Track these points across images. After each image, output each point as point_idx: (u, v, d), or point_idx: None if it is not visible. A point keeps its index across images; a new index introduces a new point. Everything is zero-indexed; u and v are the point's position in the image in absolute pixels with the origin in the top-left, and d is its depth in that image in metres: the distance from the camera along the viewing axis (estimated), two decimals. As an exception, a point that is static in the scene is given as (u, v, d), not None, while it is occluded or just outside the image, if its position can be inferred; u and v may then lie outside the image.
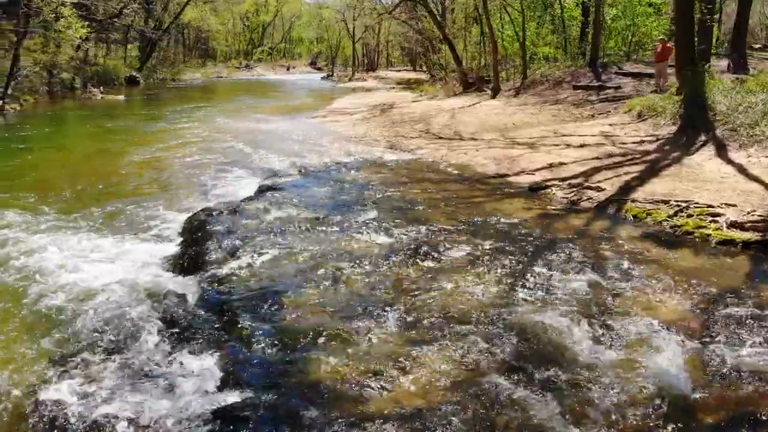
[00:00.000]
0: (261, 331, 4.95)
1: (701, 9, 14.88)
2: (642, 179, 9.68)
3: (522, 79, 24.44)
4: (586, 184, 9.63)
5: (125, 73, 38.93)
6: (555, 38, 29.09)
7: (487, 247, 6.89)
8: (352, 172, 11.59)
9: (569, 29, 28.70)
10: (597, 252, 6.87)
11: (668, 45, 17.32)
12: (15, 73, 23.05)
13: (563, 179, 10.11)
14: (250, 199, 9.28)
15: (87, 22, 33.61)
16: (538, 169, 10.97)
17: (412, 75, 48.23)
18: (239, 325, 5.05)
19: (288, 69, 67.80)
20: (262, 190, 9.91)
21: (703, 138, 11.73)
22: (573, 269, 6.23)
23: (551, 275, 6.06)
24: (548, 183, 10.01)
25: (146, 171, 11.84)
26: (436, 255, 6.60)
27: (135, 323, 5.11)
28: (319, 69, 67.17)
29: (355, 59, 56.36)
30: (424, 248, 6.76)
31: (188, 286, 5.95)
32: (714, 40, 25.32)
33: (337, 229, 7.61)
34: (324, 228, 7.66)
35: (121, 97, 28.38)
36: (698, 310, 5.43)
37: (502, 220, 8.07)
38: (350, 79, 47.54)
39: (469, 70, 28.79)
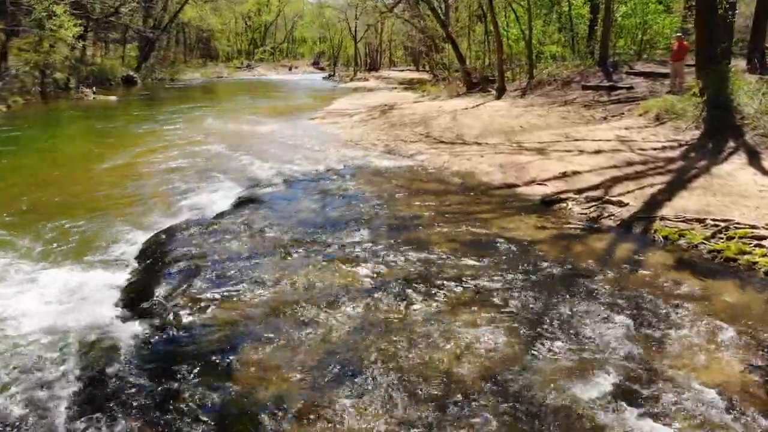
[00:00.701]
0: (207, 407, 3.79)
1: (724, 4, 13.66)
2: (669, 192, 8.48)
3: (528, 78, 23.23)
4: (607, 197, 8.44)
5: (122, 73, 37.81)
6: (562, 36, 27.85)
7: (496, 280, 5.71)
8: (344, 181, 10.43)
9: (577, 27, 27.49)
10: (627, 286, 5.68)
11: (685, 43, 16.10)
12: (2, 74, 21.90)
13: (579, 191, 8.93)
14: (223, 214, 8.14)
15: (82, 21, 32.80)
16: (550, 179, 9.79)
17: (415, 75, 47.01)
18: (180, 396, 3.90)
19: (290, 69, 66.61)
20: (239, 203, 8.77)
21: (731, 144, 10.52)
22: (601, 312, 5.05)
23: (576, 320, 4.89)
24: (563, 195, 8.83)
25: (119, 178, 10.68)
26: (434, 291, 5.43)
27: (48, 389, 3.96)
28: (322, 69, 65.98)
29: (357, 59, 55.18)
30: (420, 283, 5.59)
31: (129, 332, 4.79)
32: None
33: (319, 255, 6.44)
34: (303, 253, 6.50)
35: (114, 98, 27.25)
36: (761, 370, 4.28)
37: (513, 242, 6.88)
38: (352, 79, 46.33)
39: (473, 70, 27.58)
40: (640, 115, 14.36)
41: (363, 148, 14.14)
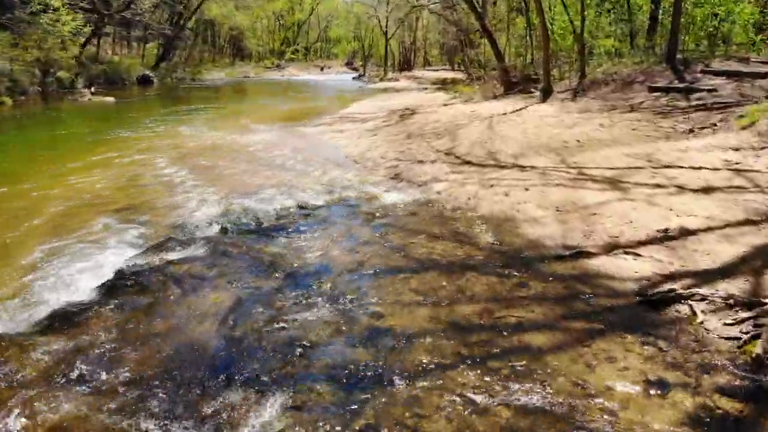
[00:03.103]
0: None
1: None
2: None
3: (579, 78, 18.90)
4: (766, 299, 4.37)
5: (139, 73, 34.77)
6: (618, 29, 23.42)
7: None
8: (310, 234, 6.56)
9: (635, 18, 23.04)
10: None
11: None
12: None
13: (705, 277, 4.87)
14: (43, 327, 4.37)
15: (86, 16, 29.74)
16: (643, 242, 5.74)
17: (450, 74, 42.78)
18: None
19: (322, 69, 62.92)
20: (109, 289, 5.04)
21: None
22: None
23: None
24: (677, 286, 4.77)
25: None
26: None
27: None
28: (355, 69, 61.99)
29: (388, 58, 51.20)
30: None
31: None
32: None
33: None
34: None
35: (112, 99, 23.96)
36: None
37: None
38: (381, 79, 42.34)
39: (512, 68, 23.37)
40: (743, 128, 10.12)
41: (363, 168, 10.27)
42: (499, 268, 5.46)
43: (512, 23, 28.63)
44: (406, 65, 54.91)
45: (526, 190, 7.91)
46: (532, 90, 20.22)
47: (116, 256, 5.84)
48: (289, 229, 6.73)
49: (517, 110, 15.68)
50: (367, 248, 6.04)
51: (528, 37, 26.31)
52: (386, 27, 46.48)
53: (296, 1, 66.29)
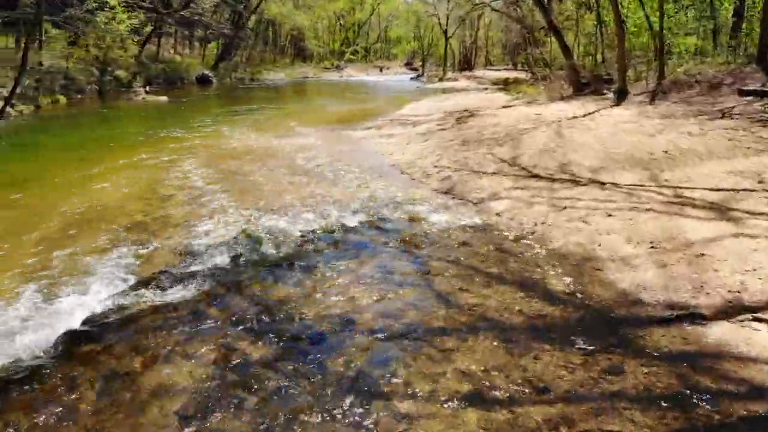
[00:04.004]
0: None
1: None
2: None
3: (658, 79, 16.79)
4: None
5: (198, 72, 34.45)
6: (700, 26, 21.06)
7: None
8: (341, 267, 5.20)
9: (719, 14, 20.65)
10: None
11: None
12: (24, 72, 18.31)
13: None
14: None
15: (144, 14, 29.49)
16: (783, 304, 4.10)
17: (512, 74, 40.62)
18: None
19: (380, 70, 61.59)
20: (79, 336, 3.90)
21: None
22: None
23: None
24: None
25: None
26: None
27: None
28: (414, 69, 60.33)
29: (448, 58, 49.38)
30: None
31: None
32: None
33: None
34: None
35: (165, 99, 23.40)
36: None
37: None
38: (440, 79, 40.59)
39: (581, 67, 21.38)
40: None
41: (409, 180, 8.85)
42: (580, 337, 3.92)
43: (581, 19, 26.50)
44: (466, 65, 52.90)
45: (609, 215, 6.29)
46: (605, 91, 18.25)
47: (96, 294, 4.65)
48: (311, 261, 5.38)
49: (588, 114, 13.87)
50: (402, 295, 4.60)
51: (598, 35, 24.23)
52: (446, 26, 44.71)
53: (357, 1, 65.30)
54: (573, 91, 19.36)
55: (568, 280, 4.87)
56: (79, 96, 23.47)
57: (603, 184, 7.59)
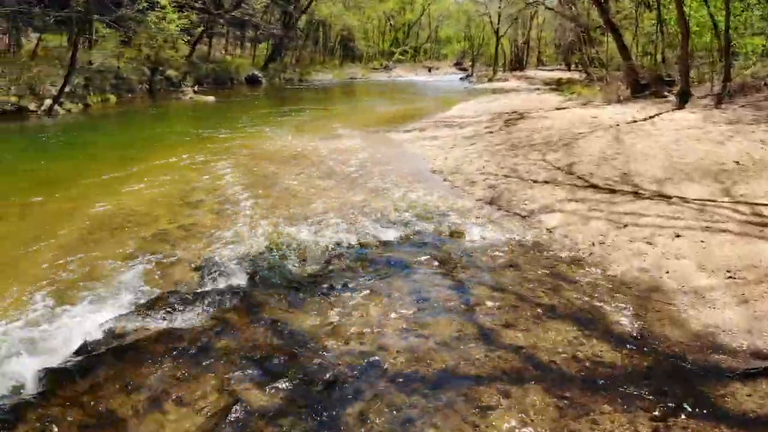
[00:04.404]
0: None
1: None
2: None
3: (723, 81, 15.54)
4: None
5: (247, 72, 34.49)
6: (769, 25, 19.49)
7: None
8: (368, 291, 4.59)
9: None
10: None
11: None
12: (74, 71, 18.49)
13: None
14: None
15: (204, 15, 29.70)
16: None
17: (565, 75, 39.17)
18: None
19: (429, 70, 60.70)
20: (68, 368, 3.43)
21: None
22: None
23: None
24: None
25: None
26: None
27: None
28: (464, 69, 59.11)
29: (499, 57, 48.13)
30: None
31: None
32: None
33: None
34: None
35: (212, 99, 23.32)
36: None
37: None
38: (490, 80, 39.45)
39: (640, 68, 20.14)
40: None
41: (451, 188, 8.17)
42: (647, 394, 3.20)
43: (640, 17, 25.10)
44: (517, 65, 51.49)
45: (678, 236, 5.47)
46: (665, 94, 17.08)
47: (98, 315, 4.22)
48: (337, 282, 4.80)
49: (649, 117, 12.85)
50: (436, 331, 3.95)
51: (658, 34, 22.86)
52: (497, 25, 43.56)
53: (407, 1, 64.60)
54: (631, 93, 18.22)
55: (631, 316, 4.12)
56: (130, 95, 23.68)
57: (669, 197, 6.75)
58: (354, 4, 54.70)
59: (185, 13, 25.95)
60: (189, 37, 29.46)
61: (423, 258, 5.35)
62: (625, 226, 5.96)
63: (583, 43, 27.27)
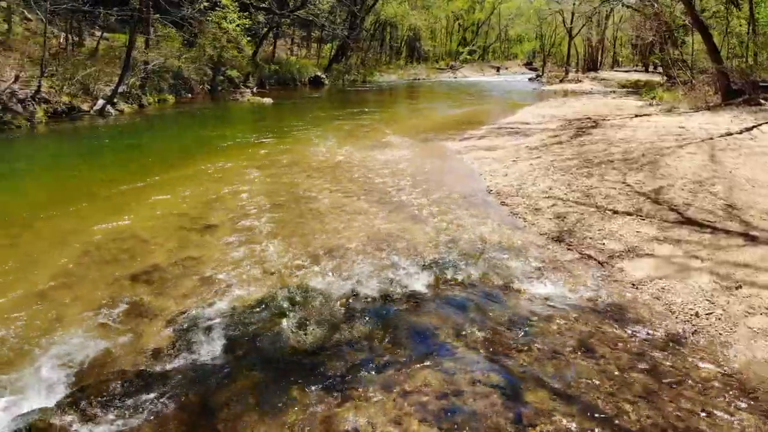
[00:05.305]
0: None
1: None
2: None
3: (838, 85, 13.25)
4: None
5: (310, 73, 33.73)
6: None
7: None
8: (384, 376, 3.27)
9: None
10: None
11: None
12: (128, 70, 18.03)
13: None
14: None
15: (269, 15, 29.14)
16: None
17: (643, 76, 36.38)
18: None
19: (497, 70, 58.43)
20: None
21: None
22: None
23: None
24: None
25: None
26: None
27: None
28: (534, 69, 56.60)
29: (571, 57, 45.46)
30: None
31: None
32: None
33: None
34: None
35: (269, 100, 22.49)
36: None
37: None
38: (561, 81, 37.09)
39: (730, 71, 17.78)
40: None
41: (510, 215, 6.69)
42: None
43: (729, 15, 22.47)
44: (591, 65, 48.63)
45: (824, 310, 3.86)
46: (761, 101, 14.84)
47: (15, 405, 3.12)
48: (343, 360, 3.51)
49: (746, 129, 10.86)
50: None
51: (751, 33, 20.32)
52: (571, 24, 41.04)
53: (477, 0, 62.49)
54: (722, 100, 15.99)
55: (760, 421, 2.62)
56: (190, 95, 23.20)
57: (798, 244, 5.06)
58: (422, 3, 53.26)
59: (250, 14, 25.34)
60: (252, 38, 28.95)
61: (462, 323, 3.97)
62: (739, 287, 4.36)
63: (664, 43, 24.78)
